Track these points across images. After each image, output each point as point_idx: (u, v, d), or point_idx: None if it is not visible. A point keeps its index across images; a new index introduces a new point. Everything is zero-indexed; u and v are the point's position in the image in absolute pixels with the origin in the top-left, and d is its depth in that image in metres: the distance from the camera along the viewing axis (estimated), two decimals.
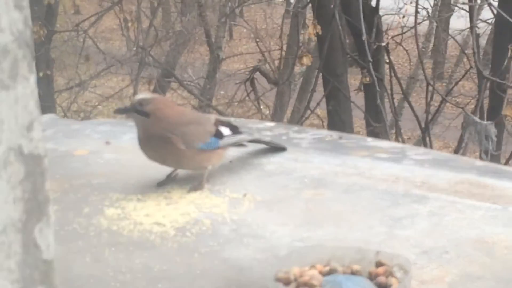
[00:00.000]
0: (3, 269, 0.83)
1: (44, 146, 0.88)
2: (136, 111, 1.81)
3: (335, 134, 2.25)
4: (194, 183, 1.86)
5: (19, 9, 0.82)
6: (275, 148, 2.08)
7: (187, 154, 1.84)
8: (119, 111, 1.86)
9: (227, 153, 1.96)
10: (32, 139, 0.85)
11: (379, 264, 1.36)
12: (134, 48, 7.79)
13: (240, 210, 1.73)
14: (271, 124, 2.48)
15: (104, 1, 9.83)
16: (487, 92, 4.99)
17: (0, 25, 0.80)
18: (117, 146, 2.15)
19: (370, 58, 4.45)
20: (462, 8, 7.68)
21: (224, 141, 1.91)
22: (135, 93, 6.69)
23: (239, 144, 2.01)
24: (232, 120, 2.19)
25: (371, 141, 2.21)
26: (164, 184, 1.88)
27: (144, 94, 1.88)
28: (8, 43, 0.81)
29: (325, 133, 2.30)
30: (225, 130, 1.93)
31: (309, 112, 5.40)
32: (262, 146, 2.08)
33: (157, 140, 1.82)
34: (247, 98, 8.05)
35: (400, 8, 8.70)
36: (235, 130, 1.97)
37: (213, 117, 1.98)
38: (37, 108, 0.86)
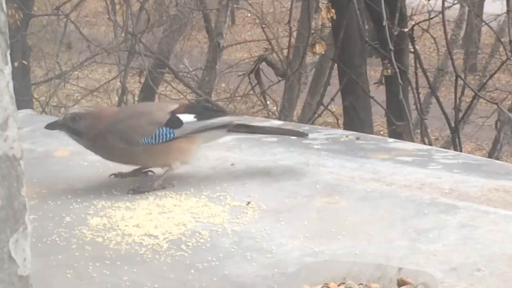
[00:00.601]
0: None
1: (20, 146, 0.88)
2: (68, 128, 1.87)
3: (351, 134, 2.26)
4: (157, 182, 1.88)
5: None
6: (294, 135, 2.08)
7: (130, 152, 1.86)
8: (50, 127, 1.90)
9: (202, 146, 1.93)
10: (7, 139, 0.86)
11: (401, 283, 1.36)
12: (123, 35, 7.79)
13: (243, 220, 1.74)
14: (279, 122, 2.49)
15: None
16: None
17: None
18: None
19: (392, 47, 4.44)
20: None
21: (182, 130, 1.87)
22: (123, 86, 6.71)
23: (232, 131, 1.96)
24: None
25: (392, 142, 2.22)
26: (124, 176, 1.91)
27: (77, 109, 1.91)
28: None
29: (340, 132, 2.30)
30: (187, 117, 1.89)
31: (322, 108, 5.40)
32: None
33: (98, 141, 1.87)
34: (251, 92, 8.06)
35: None
36: (208, 115, 1.92)
37: (173, 105, 1.94)
38: (12, 104, 0.87)
